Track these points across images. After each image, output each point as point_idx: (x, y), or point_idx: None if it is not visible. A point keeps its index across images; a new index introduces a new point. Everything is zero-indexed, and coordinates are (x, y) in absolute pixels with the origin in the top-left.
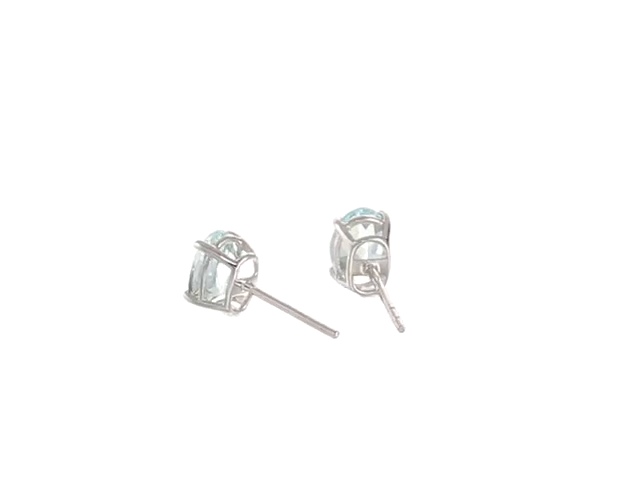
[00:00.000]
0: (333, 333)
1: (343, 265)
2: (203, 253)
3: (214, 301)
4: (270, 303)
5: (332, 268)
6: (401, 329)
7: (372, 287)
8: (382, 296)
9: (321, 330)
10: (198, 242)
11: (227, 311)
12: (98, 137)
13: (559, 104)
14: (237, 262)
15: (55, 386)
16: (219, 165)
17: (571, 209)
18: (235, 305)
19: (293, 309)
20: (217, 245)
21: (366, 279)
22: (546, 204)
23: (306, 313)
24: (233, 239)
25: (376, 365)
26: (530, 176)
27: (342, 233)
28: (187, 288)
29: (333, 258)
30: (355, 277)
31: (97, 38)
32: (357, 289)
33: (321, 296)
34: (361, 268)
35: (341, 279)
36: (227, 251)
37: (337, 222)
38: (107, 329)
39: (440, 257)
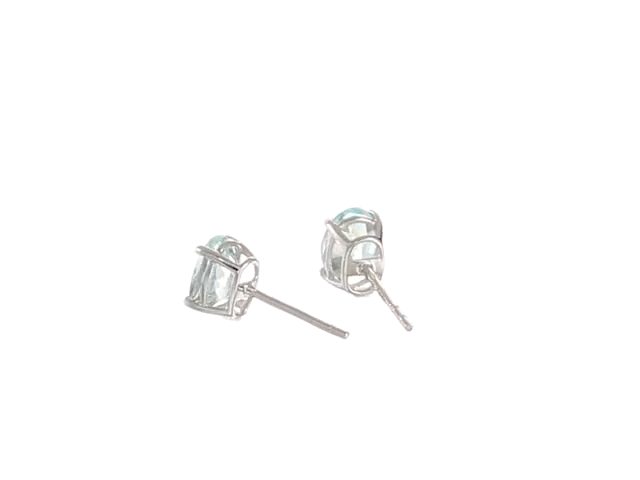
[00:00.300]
0: (343, 334)
1: (336, 266)
2: (205, 258)
3: (214, 306)
4: (274, 306)
5: (323, 269)
6: (409, 328)
7: (366, 287)
8: (384, 296)
9: (330, 331)
10: (199, 247)
11: (229, 316)
12: (96, 142)
13: (554, 103)
14: (240, 266)
15: (56, 391)
16: (211, 170)
17: (565, 206)
18: (236, 309)
19: (300, 311)
20: (218, 250)
21: (358, 279)
22: (539, 200)
23: (313, 315)
24: (233, 243)
25: (386, 365)
26: (523, 174)
27: (335, 234)
28: (188, 294)
29: (324, 259)
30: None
31: (97, 39)
32: (351, 289)
33: (314, 297)
34: (357, 269)
35: (333, 280)
36: (228, 255)
37: (330, 223)
38: (109, 335)
39: (433, 254)
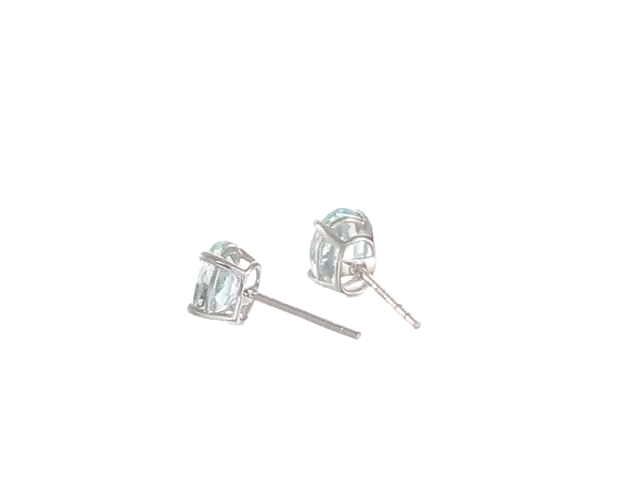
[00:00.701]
0: (355, 334)
1: (328, 267)
2: (209, 264)
3: (218, 311)
4: (281, 309)
5: (310, 270)
6: (417, 325)
7: (356, 286)
8: (384, 295)
9: (342, 332)
10: (203, 253)
11: (233, 321)
12: (93, 144)
13: (547, 102)
14: (245, 271)
15: (59, 398)
16: (200, 175)
17: (558, 200)
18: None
19: (308, 313)
20: (222, 256)
21: (346, 279)
22: (533, 196)
23: (323, 316)
24: (234, 249)
25: (393, 363)
26: (518, 171)
27: (327, 235)
28: (192, 300)
29: (314, 260)
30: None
31: (97, 41)
32: (343, 290)
33: (305, 299)
34: (350, 269)
35: (322, 280)
36: (232, 261)
37: (319, 223)
38: (114, 343)
39: (423, 251)
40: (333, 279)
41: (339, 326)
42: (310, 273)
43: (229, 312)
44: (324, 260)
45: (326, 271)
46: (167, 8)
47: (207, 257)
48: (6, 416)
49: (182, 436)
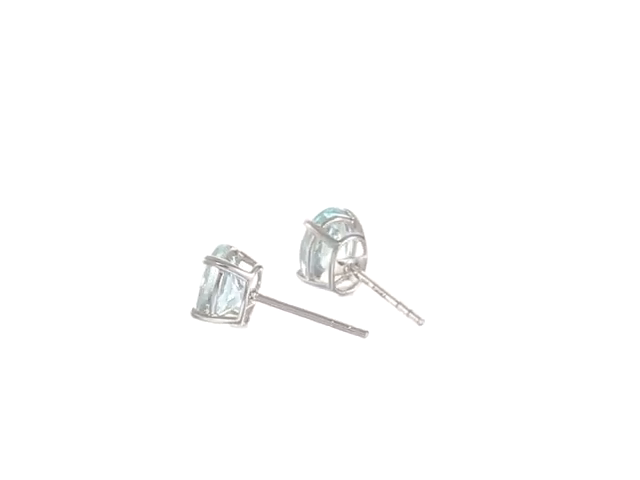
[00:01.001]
0: (363, 333)
1: (320, 266)
2: (213, 268)
3: (221, 314)
4: (285, 310)
5: (300, 270)
6: (421, 322)
7: (347, 285)
8: (384, 294)
9: (349, 331)
10: (208, 257)
11: (237, 323)
12: (90, 144)
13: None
14: (251, 273)
15: (63, 403)
16: (190, 177)
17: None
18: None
19: (315, 314)
20: (226, 259)
21: (336, 277)
22: (529, 195)
23: (329, 316)
24: (236, 252)
25: (404, 361)
26: (513, 170)
27: (319, 234)
28: (195, 304)
29: (305, 260)
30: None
31: (96, 42)
32: (336, 289)
33: (298, 298)
34: (344, 268)
35: (313, 280)
36: (235, 264)
37: (311, 223)
38: (116, 348)
39: (415, 249)
40: (325, 279)
41: (347, 325)
42: (299, 273)
43: (233, 315)
44: (315, 260)
45: (317, 271)
46: (166, 8)
47: (211, 261)
48: (10, 418)
49: (189, 439)
